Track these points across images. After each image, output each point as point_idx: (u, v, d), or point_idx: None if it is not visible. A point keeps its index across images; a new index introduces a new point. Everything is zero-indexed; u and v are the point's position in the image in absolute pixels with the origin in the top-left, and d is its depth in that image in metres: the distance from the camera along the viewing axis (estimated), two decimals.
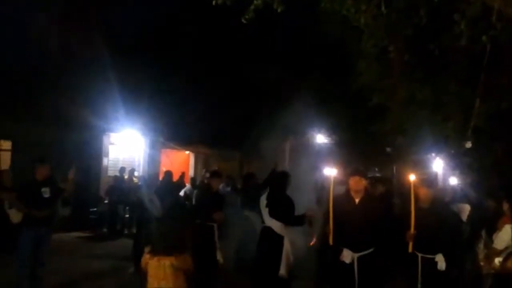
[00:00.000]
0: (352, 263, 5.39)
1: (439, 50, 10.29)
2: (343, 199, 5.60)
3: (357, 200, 5.55)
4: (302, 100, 15.79)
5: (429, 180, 5.85)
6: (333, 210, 5.43)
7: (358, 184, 5.53)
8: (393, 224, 5.54)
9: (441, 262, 5.25)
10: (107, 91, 14.90)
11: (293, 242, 6.82)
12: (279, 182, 6.88)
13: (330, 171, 5.53)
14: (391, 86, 11.56)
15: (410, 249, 5.29)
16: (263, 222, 6.74)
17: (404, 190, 9.38)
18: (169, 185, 10.64)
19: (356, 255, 5.39)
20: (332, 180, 5.60)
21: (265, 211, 6.66)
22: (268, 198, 6.72)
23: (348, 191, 5.65)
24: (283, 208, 6.59)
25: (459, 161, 9.99)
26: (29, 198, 6.79)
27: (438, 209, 5.48)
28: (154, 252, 4.39)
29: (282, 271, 6.47)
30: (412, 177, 5.30)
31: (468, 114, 10.39)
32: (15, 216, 7.01)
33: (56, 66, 14.32)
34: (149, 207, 8.39)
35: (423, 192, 5.42)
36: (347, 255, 5.40)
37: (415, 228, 5.17)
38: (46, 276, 6.90)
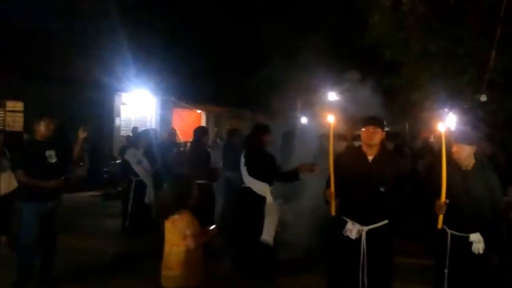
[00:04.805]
0: (359, 239, 4.24)
1: (454, 0, 9.94)
2: (352, 156, 4.51)
3: (370, 158, 4.35)
4: (313, 57, 15.55)
5: (476, 135, 4.59)
6: (337, 170, 4.24)
7: (372, 136, 4.30)
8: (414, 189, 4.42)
9: (477, 243, 4.24)
10: (118, 50, 14.85)
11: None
12: (255, 137, 6.25)
13: (330, 119, 4.31)
14: (404, 40, 11.23)
15: (440, 225, 4.19)
16: (242, 182, 6.17)
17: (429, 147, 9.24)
18: (159, 145, 10.24)
19: (365, 228, 4.24)
20: (331, 130, 4.34)
21: (244, 170, 6.12)
22: (246, 156, 6.19)
23: (359, 146, 4.51)
24: (262, 166, 6.03)
25: (472, 116, 9.76)
26: (32, 165, 5.16)
27: (485, 174, 4.39)
28: (159, 216, 4.05)
29: (265, 236, 5.79)
30: (441, 128, 4.14)
31: (483, 67, 10.08)
32: (3, 183, 5.57)
33: (67, 25, 14.27)
34: (136, 170, 8.05)
35: (466, 151, 4.37)
36: (353, 229, 4.27)
37: (447, 196, 4.07)
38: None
